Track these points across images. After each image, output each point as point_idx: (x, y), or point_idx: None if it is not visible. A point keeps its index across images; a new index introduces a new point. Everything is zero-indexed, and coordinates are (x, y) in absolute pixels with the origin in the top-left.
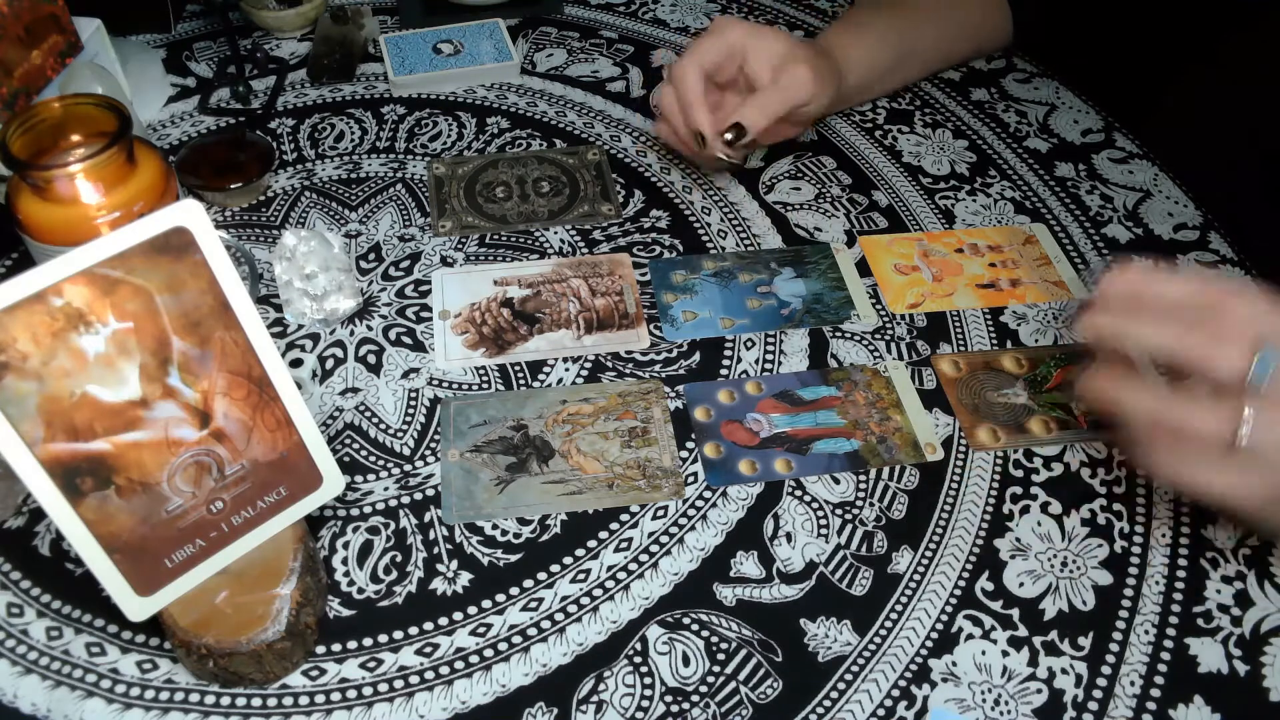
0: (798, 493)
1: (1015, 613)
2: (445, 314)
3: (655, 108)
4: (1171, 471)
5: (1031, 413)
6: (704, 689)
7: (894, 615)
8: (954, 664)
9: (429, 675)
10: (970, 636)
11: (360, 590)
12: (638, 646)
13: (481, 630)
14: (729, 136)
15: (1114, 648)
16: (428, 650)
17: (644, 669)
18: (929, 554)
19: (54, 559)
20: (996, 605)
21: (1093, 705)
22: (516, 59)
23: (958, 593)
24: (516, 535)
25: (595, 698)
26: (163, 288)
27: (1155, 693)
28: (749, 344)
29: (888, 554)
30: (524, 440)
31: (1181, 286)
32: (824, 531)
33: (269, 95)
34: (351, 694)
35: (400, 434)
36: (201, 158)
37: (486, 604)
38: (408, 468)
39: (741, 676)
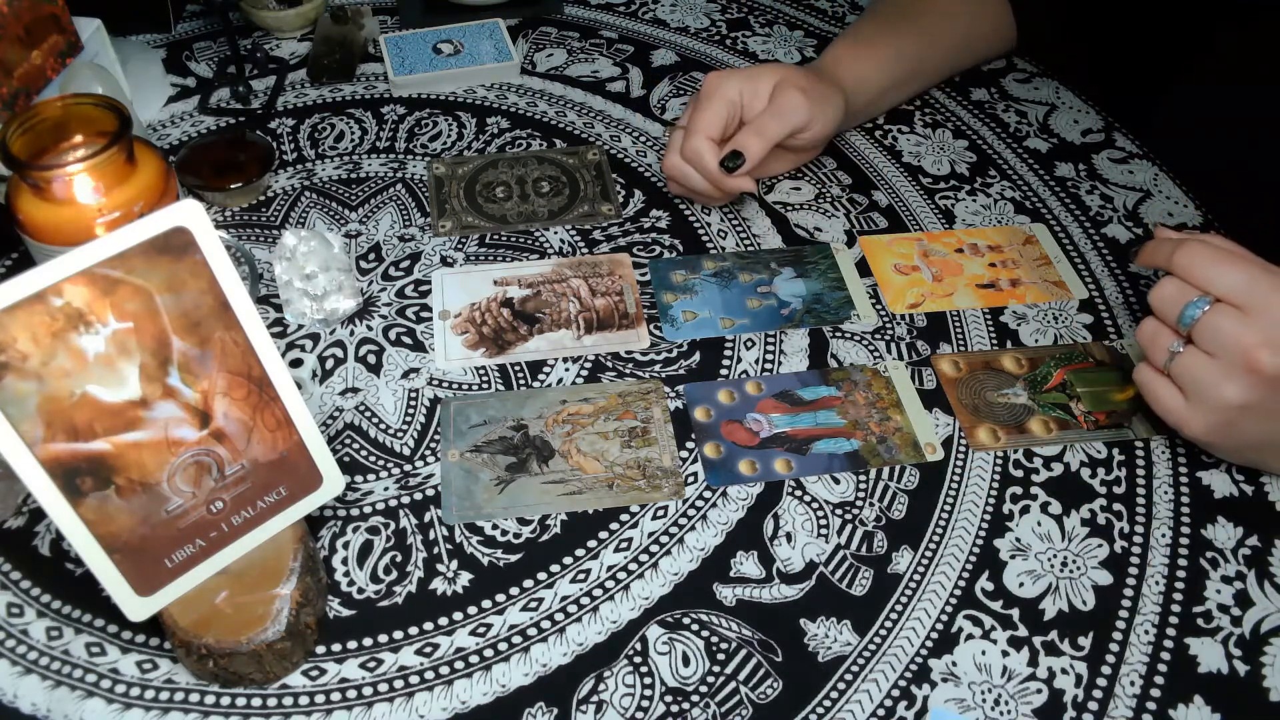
0: (798, 493)
1: (1015, 613)
2: (445, 314)
3: (667, 176)
4: (1144, 378)
5: (1031, 413)
6: (704, 689)
7: (894, 615)
8: (954, 664)
9: (429, 675)
10: (970, 636)
11: (360, 590)
12: (638, 646)
13: (481, 630)
14: (727, 164)
15: (1114, 648)
16: (428, 650)
17: (644, 669)
18: (929, 554)
19: (54, 559)
20: (996, 605)
21: (1093, 705)
22: (516, 59)
23: (958, 593)
24: (516, 535)
25: (595, 698)
26: (163, 288)
27: (1155, 693)
28: (749, 344)
29: (888, 554)
30: (524, 440)
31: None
32: (824, 531)
33: (269, 95)
34: (351, 694)
35: (400, 434)
36: (201, 158)
37: (486, 604)
38: (408, 468)
39: (741, 676)
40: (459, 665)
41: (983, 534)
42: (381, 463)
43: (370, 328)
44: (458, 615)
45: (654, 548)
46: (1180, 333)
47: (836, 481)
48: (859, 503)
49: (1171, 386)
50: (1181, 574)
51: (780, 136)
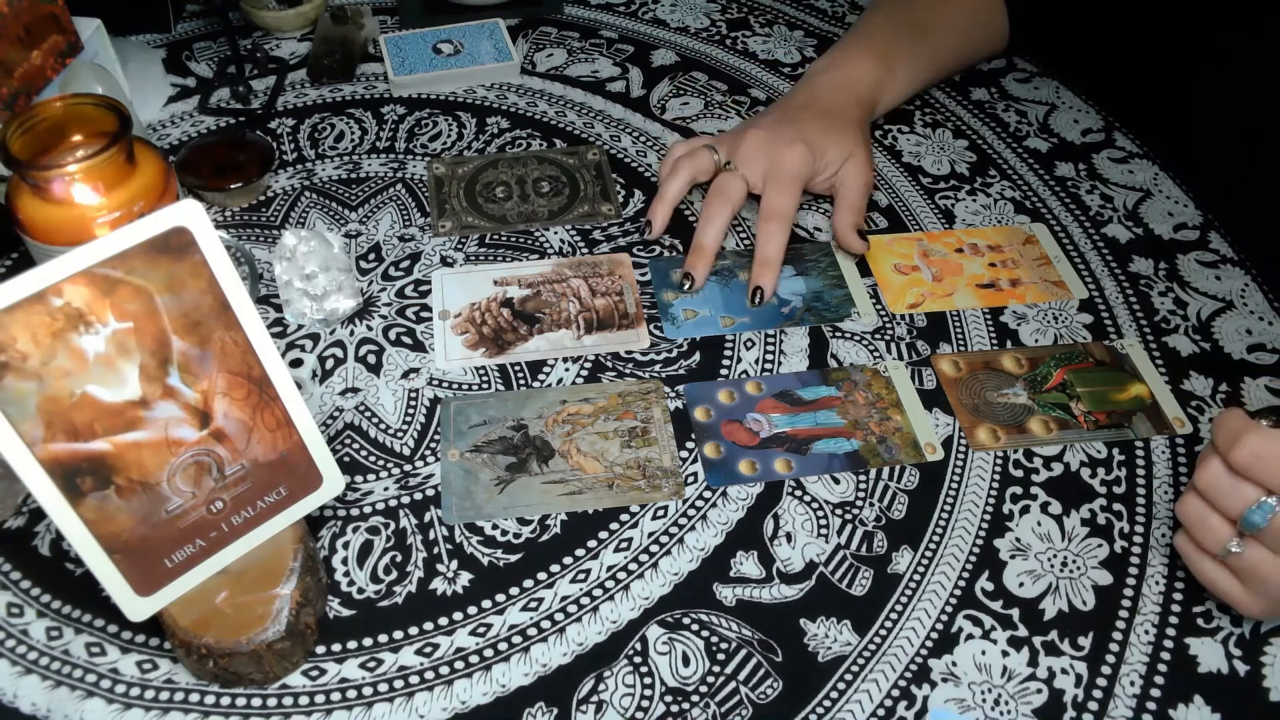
0: (798, 493)
1: (1015, 613)
2: (445, 314)
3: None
4: (1186, 552)
5: (1031, 413)
6: (704, 689)
7: (894, 615)
8: (954, 664)
9: (429, 675)
10: (970, 636)
11: (360, 590)
12: (638, 646)
13: (481, 630)
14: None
15: (1114, 648)
16: (428, 650)
17: (644, 669)
18: (929, 554)
19: (54, 559)
20: (996, 605)
21: (1093, 705)
22: (516, 59)
23: (958, 593)
24: (516, 535)
25: (595, 698)
26: (163, 288)
27: (1155, 693)
28: (749, 344)
29: (888, 554)
30: (524, 440)
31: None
32: (824, 531)
33: (269, 95)
34: (351, 694)
35: (400, 434)
36: (201, 158)
37: (486, 604)
38: (408, 468)
39: (741, 676)
40: (459, 665)
41: (983, 534)
42: (381, 463)
43: (370, 328)
44: (458, 615)
45: (654, 548)
46: (1238, 528)
47: (836, 481)
48: (859, 503)
49: (1227, 573)
50: (1181, 574)
51: (862, 205)
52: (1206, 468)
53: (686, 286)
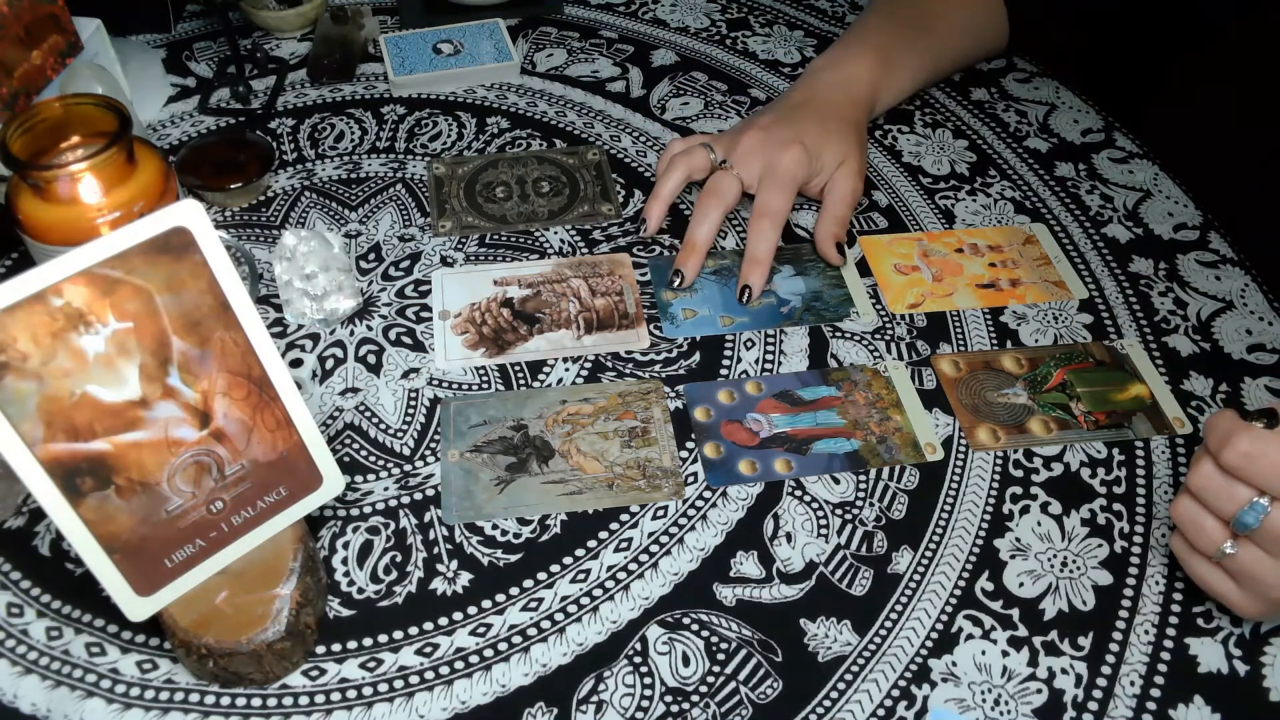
0: (798, 493)
1: (1015, 613)
2: (445, 314)
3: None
4: (1181, 553)
5: (1031, 413)
6: (704, 689)
7: (894, 615)
8: (954, 664)
9: (429, 675)
10: (970, 636)
11: (360, 590)
12: (638, 646)
13: (481, 630)
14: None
15: (1114, 648)
16: (428, 650)
17: (644, 669)
18: (929, 554)
19: (54, 559)
20: (996, 605)
21: (1093, 705)
22: (516, 59)
23: (958, 593)
24: (516, 535)
25: (595, 698)
26: (163, 288)
27: (1155, 693)
28: (749, 344)
29: (888, 554)
30: (524, 440)
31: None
32: (824, 531)
33: (269, 95)
34: (351, 694)
35: (400, 434)
36: (201, 158)
37: (486, 604)
38: (408, 468)
39: (741, 676)
40: (459, 665)
41: (983, 534)
42: (381, 463)
43: (370, 328)
44: (458, 615)
45: (654, 548)
46: (1231, 529)
47: (836, 481)
48: (859, 503)
49: (1222, 574)
50: (1181, 574)
51: (848, 214)
52: (1199, 469)
53: (676, 283)
